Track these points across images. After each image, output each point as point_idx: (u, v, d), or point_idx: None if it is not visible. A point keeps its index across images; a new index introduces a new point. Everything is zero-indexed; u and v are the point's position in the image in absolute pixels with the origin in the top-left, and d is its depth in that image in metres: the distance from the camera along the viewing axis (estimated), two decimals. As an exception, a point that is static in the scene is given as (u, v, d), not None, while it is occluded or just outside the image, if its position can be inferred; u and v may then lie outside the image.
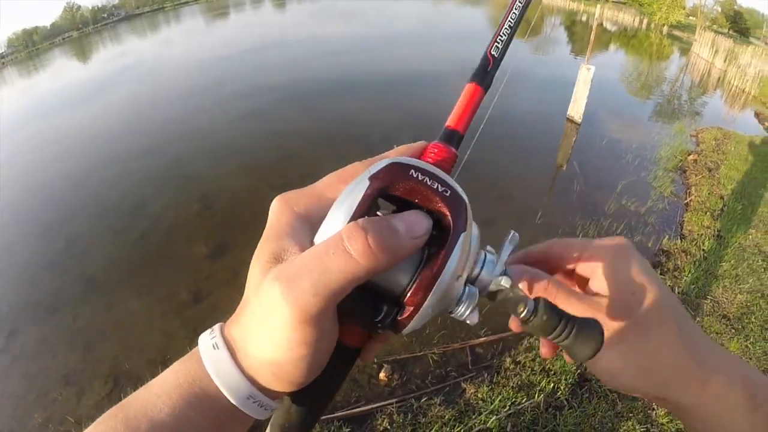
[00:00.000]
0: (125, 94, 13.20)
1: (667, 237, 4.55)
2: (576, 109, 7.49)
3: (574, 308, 0.30)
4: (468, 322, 0.26)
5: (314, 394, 0.27)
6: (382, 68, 11.41)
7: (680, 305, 0.32)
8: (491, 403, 2.76)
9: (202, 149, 7.74)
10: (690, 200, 5.22)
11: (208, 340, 0.25)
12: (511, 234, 0.29)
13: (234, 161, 7.10)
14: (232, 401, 0.24)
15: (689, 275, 3.97)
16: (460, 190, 0.24)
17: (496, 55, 0.30)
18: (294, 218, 0.25)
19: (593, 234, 4.64)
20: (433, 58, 12.26)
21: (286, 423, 0.27)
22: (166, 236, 5.68)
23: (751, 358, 3.29)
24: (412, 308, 0.24)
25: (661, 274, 4.03)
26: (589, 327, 0.25)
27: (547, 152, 6.80)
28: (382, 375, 2.88)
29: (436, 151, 0.27)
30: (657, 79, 11.86)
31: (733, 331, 3.43)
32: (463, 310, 0.26)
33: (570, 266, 0.34)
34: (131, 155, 7.94)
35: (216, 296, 4.41)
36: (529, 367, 2.98)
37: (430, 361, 3.08)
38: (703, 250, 4.33)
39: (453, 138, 0.28)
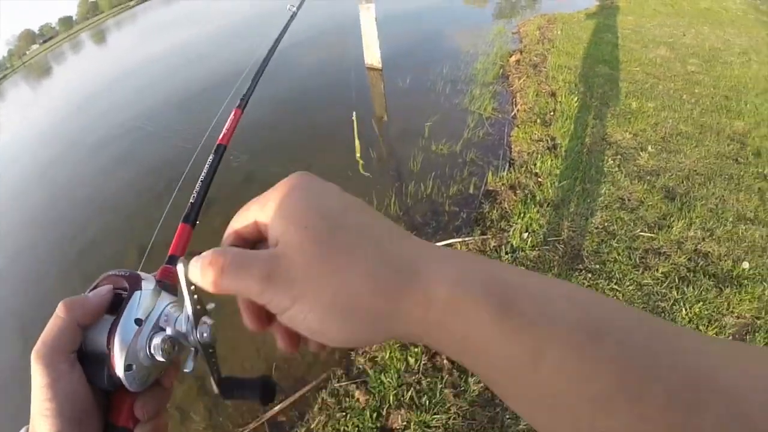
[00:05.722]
0: None
1: (491, 172, 3.81)
2: (372, 55, 7.09)
3: (250, 275, 0.30)
4: (185, 370, 0.38)
5: None
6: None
7: (378, 220, 0.32)
8: None
9: None
10: (517, 111, 4.61)
11: None
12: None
13: None
14: None
15: (519, 219, 3.22)
16: (135, 275, 0.41)
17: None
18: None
19: (395, 211, 3.79)
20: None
21: None
22: None
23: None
24: (112, 356, 0.36)
25: (482, 234, 3.24)
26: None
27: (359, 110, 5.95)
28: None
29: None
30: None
31: (590, 275, 2.74)
32: (157, 353, 0.37)
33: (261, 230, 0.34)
34: None
35: None
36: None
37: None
38: (536, 174, 3.64)
39: (173, 260, 0.54)
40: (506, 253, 3.01)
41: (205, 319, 0.37)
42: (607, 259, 2.93)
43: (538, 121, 4.33)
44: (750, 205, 3.48)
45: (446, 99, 5.42)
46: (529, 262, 2.96)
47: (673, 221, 3.18)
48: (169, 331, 0.38)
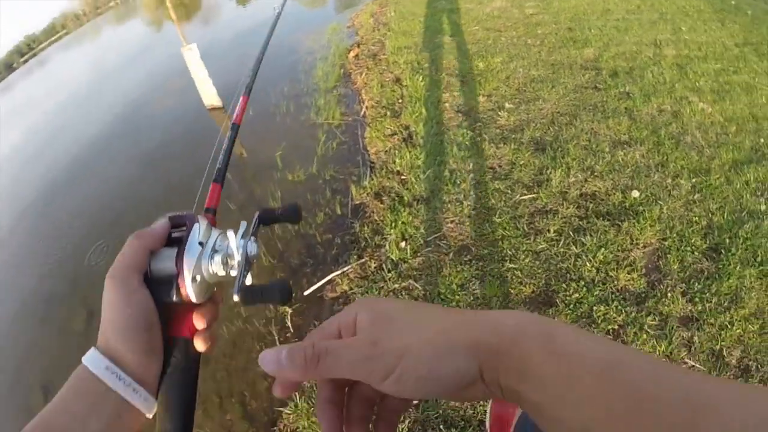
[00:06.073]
0: None
1: (354, 184, 3.54)
2: (209, 95, 6.91)
3: (355, 349, 0.38)
4: (247, 283, 0.51)
5: (170, 390, 0.47)
6: None
7: (410, 305, 0.42)
8: None
9: None
10: (365, 109, 4.38)
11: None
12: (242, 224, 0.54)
13: None
14: (93, 371, 0.42)
15: (392, 229, 2.98)
16: (192, 215, 0.52)
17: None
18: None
19: (268, 261, 3.46)
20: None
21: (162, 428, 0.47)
22: None
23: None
24: (179, 274, 0.47)
25: (358, 258, 2.99)
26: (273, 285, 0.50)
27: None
28: None
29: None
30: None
31: (482, 263, 2.61)
32: (217, 267, 0.50)
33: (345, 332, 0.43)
34: None
35: None
36: None
37: None
38: (398, 172, 3.40)
39: (209, 210, 0.63)
40: (389, 271, 2.73)
41: (252, 240, 0.52)
42: (494, 238, 2.72)
43: (388, 113, 4.15)
44: (621, 128, 3.46)
45: (292, 119, 5.15)
46: (415, 272, 2.70)
47: (551, 173, 3.06)
48: (222, 251, 0.51)
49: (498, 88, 4.17)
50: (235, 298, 0.48)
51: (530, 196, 2.92)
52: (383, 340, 0.36)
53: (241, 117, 0.84)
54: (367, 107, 4.45)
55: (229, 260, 0.50)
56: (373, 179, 3.48)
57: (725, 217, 2.61)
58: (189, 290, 0.46)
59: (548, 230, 2.68)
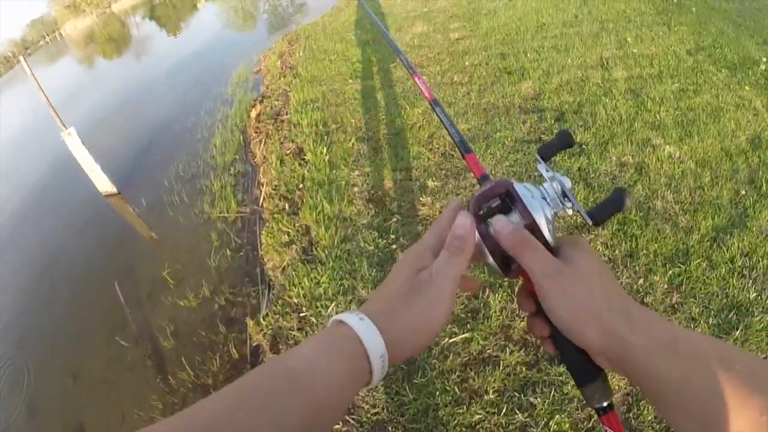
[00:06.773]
0: None
1: (250, 317, 3.03)
2: (101, 181, 6.38)
3: (540, 257, 0.46)
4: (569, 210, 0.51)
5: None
6: None
7: (603, 273, 0.47)
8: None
9: None
10: (263, 197, 3.66)
11: (353, 316, 0.43)
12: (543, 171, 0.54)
13: None
14: (367, 351, 0.41)
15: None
16: (500, 180, 0.52)
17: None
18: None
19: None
20: None
21: None
22: None
23: None
24: (538, 227, 0.49)
25: None
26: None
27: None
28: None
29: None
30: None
31: None
32: (554, 206, 0.50)
33: None
34: None
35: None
36: None
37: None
38: (296, 306, 2.84)
39: (485, 178, 0.60)
40: None
41: (559, 174, 0.53)
42: (417, 410, 2.15)
43: (287, 206, 3.53)
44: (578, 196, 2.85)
45: (184, 213, 4.49)
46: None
47: (488, 296, 2.51)
48: (548, 196, 0.51)
49: (419, 155, 3.55)
50: (590, 221, 0.51)
51: (462, 336, 2.31)
52: (564, 272, 0.44)
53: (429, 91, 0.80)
54: (264, 195, 3.77)
55: (556, 199, 0.51)
56: (268, 315, 2.82)
57: (710, 322, 2.17)
58: (548, 236, 0.49)
59: (486, 390, 2.10)
